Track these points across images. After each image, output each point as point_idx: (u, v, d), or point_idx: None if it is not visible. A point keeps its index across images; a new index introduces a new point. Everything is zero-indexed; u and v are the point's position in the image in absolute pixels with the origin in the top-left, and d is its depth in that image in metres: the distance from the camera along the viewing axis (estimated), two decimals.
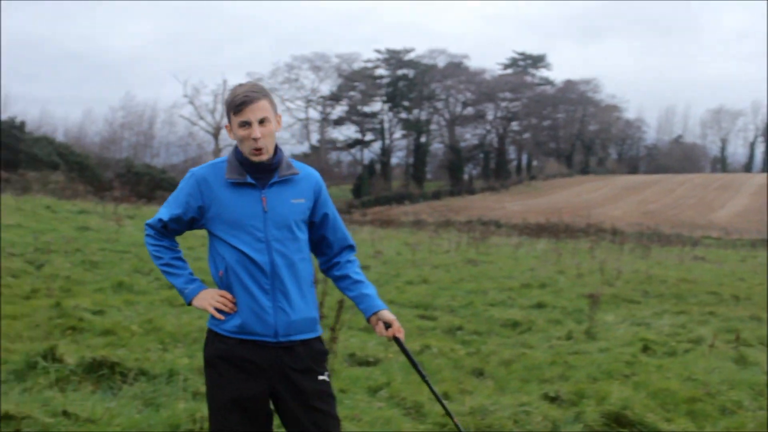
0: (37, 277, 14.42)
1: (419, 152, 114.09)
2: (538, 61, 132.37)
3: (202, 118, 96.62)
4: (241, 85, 4.04)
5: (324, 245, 4.31)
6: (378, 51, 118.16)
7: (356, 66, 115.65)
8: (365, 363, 9.40)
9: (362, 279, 4.30)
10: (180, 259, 4.26)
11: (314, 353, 4.12)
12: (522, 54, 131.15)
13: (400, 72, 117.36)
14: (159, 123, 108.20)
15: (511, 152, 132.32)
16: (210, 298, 4.07)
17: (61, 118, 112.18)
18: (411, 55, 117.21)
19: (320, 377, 4.10)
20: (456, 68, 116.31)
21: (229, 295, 4.04)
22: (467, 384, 8.66)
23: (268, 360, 4.02)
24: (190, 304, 4.15)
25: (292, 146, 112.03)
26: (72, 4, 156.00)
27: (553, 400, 8.05)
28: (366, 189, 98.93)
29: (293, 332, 4.05)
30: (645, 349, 10.91)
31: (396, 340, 4.21)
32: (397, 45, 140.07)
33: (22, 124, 62.49)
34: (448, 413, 4.36)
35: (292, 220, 4.06)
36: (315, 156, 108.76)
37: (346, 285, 4.29)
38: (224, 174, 4.08)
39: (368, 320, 4.23)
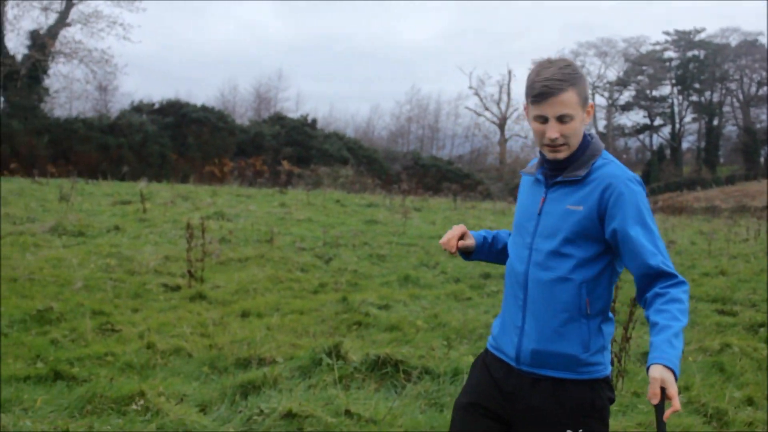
0: (326, 271, 14.71)
1: (711, 136, 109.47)
2: None
3: (487, 109, 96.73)
4: (548, 62, 3.32)
5: (631, 273, 3.32)
6: (666, 33, 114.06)
7: (644, 50, 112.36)
8: None
9: (659, 320, 3.12)
10: (497, 231, 3.89)
11: (569, 402, 3.31)
12: None
13: (690, 53, 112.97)
14: (444, 115, 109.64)
15: None
16: (450, 230, 3.70)
17: (351, 114, 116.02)
18: (701, 36, 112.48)
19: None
20: (750, 46, 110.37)
21: (454, 237, 3.63)
22: None
23: (509, 385, 3.42)
24: None
25: None
26: (367, 4, 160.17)
27: None
28: (655, 175, 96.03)
29: (538, 365, 3.34)
30: None
31: (655, 408, 3.07)
32: (686, 26, 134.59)
33: (314, 121, 65.12)
34: None
35: (560, 230, 3.32)
36: (603, 143, 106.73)
37: (649, 330, 3.20)
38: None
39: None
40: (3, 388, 6.83)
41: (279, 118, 64.62)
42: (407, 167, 62.48)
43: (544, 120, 3.28)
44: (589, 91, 3.43)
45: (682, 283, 3.22)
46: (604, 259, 3.33)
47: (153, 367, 7.92)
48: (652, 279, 3.23)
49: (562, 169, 3.39)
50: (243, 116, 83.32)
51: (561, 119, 3.25)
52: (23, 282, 11.47)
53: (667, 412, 2.99)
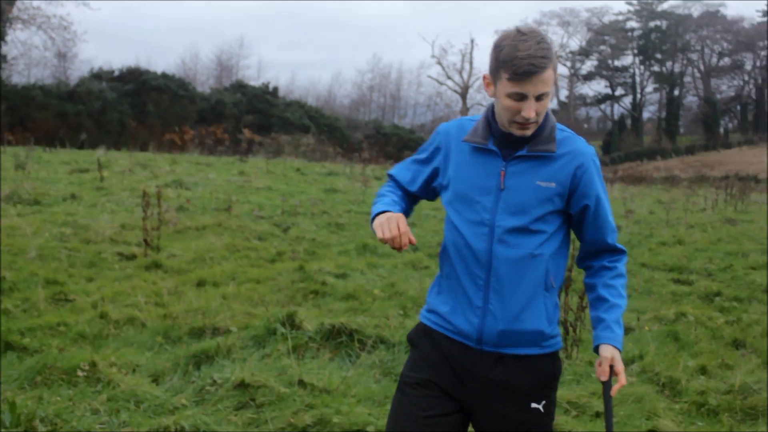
0: (283, 239, 14.65)
1: (672, 106, 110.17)
2: None
3: (449, 78, 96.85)
4: (521, 34, 3.04)
5: (582, 242, 3.38)
6: (629, 3, 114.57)
7: (606, 19, 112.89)
8: None
9: (607, 296, 3.26)
10: (395, 194, 3.47)
11: (535, 376, 3.25)
12: None
13: (652, 24, 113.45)
14: (406, 84, 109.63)
15: None
16: (385, 220, 3.18)
17: (313, 83, 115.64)
18: (664, 6, 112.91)
19: (533, 405, 3.24)
20: (712, 17, 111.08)
21: (406, 233, 3.11)
22: (727, 357, 7.96)
23: (466, 364, 3.26)
24: (372, 222, 3.29)
25: None
26: None
27: None
28: (616, 145, 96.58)
29: (505, 344, 3.19)
30: None
31: (603, 385, 3.24)
32: None
33: (275, 89, 64.86)
34: None
35: (531, 207, 3.16)
36: (564, 112, 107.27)
37: (590, 298, 3.34)
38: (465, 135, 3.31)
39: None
40: None
41: (240, 86, 64.42)
42: (369, 136, 62.48)
43: (521, 97, 3.06)
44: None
45: (624, 255, 3.39)
46: (562, 231, 3.29)
47: (106, 337, 7.83)
48: (602, 251, 3.37)
49: (523, 142, 3.20)
50: (204, 84, 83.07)
51: (539, 97, 3.06)
52: None
53: (615, 387, 3.18)
